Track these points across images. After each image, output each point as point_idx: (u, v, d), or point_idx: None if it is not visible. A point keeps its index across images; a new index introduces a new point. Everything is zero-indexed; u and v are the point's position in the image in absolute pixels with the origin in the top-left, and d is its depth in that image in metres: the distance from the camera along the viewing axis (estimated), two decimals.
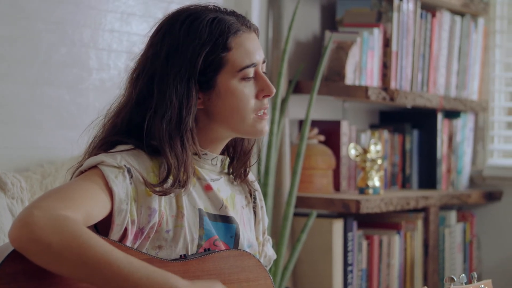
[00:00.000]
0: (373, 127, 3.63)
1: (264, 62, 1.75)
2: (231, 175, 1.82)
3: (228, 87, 1.69)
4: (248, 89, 1.71)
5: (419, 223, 3.37)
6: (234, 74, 1.69)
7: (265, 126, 1.74)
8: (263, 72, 1.74)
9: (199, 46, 1.66)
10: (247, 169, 1.83)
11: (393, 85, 3.31)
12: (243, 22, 1.72)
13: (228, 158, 1.81)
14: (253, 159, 1.85)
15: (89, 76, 2.62)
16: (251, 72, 1.71)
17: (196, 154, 1.72)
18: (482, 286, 1.79)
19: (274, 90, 1.73)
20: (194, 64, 1.66)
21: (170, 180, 1.65)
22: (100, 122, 1.73)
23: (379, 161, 3.23)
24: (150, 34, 1.74)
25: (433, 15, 3.53)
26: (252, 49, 1.71)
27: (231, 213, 1.77)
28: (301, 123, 3.29)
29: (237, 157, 1.82)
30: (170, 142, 1.65)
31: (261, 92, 1.72)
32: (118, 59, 2.69)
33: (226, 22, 1.69)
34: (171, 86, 1.66)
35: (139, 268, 1.47)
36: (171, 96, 1.65)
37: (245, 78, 1.70)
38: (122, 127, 1.69)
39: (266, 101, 1.74)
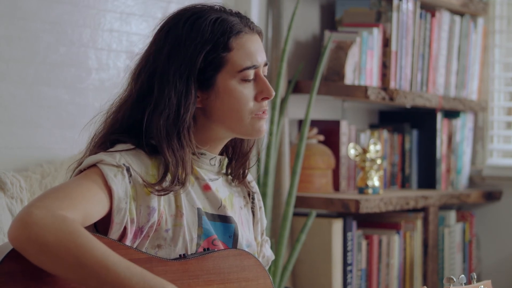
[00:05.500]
0: (373, 127, 3.62)
1: (266, 65, 1.75)
2: (229, 176, 1.82)
3: (227, 87, 1.69)
4: (247, 91, 1.70)
5: (419, 223, 3.37)
6: (234, 75, 1.69)
7: (263, 125, 1.73)
8: (264, 75, 1.74)
9: (200, 44, 1.67)
10: (246, 171, 1.83)
11: (392, 85, 3.31)
12: (247, 23, 1.72)
13: (226, 159, 1.81)
14: (252, 161, 1.84)
15: (88, 76, 2.62)
16: (251, 73, 1.71)
17: (194, 153, 1.72)
18: (482, 287, 1.78)
19: (274, 93, 1.73)
20: (194, 62, 1.66)
21: (168, 178, 1.65)
22: (101, 118, 1.74)
23: (379, 161, 3.23)
24: (155, 31, 1.74)
25: (433, 15, 3.52)
26: (254, 51, 1.71)
27: (229, 213, 1.76)
28: (300, 123, 3.29)
29: (235, 158, 1.81)
30: (167, 138, 1.65)
31: (260, 94, 1.72)
32: (117, 59, 2.69)
33: (229, 22, 1.69)
34: (170, 83, 1.66)
35: (136, 274, 1.47)
36: (170, 93, 1.65)
37: (245, 80, 1.70)
38: (123, 123, 1.70)
39: (265, 104, 1.73)
